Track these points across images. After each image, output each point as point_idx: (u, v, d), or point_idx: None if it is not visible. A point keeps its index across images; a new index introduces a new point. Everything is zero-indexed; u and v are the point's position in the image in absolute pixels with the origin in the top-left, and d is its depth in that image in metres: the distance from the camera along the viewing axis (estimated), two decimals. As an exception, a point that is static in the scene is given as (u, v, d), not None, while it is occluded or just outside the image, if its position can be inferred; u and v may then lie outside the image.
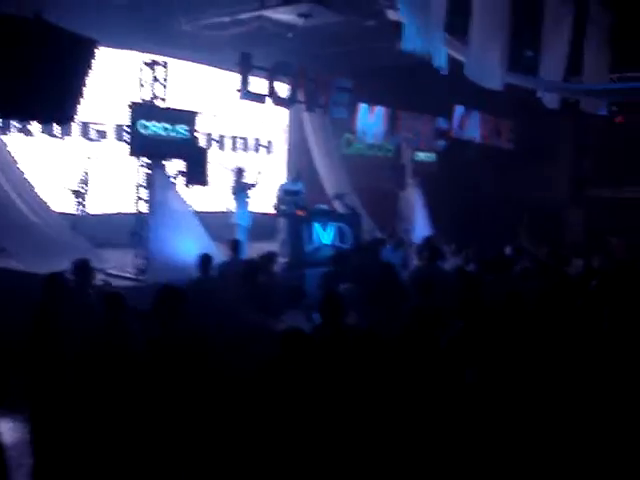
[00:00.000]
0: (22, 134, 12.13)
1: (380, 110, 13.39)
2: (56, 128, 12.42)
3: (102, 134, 13.54)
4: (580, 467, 4.78)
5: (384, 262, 8.84)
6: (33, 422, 6.03)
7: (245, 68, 10.77)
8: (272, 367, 4.78)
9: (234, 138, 16.33)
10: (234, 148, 16.32)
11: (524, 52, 12.54)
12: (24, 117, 9.53)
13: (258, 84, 11.09)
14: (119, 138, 13.40)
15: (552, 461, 4.76)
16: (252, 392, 4.85)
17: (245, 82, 10.79)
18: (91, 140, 13.39)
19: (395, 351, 5.20)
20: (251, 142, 16.80)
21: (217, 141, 15.81)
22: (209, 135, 15.49)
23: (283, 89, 11.31)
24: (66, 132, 12.79)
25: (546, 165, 18.83)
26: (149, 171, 10.53)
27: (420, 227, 15.24)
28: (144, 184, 10.59)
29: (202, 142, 14.36)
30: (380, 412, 4.77)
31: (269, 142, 17.30)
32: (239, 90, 10.84)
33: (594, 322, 6.25)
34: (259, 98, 11.11)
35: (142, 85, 10.49)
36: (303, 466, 4.51)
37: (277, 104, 11.51)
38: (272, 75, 10.97)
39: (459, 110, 14.80)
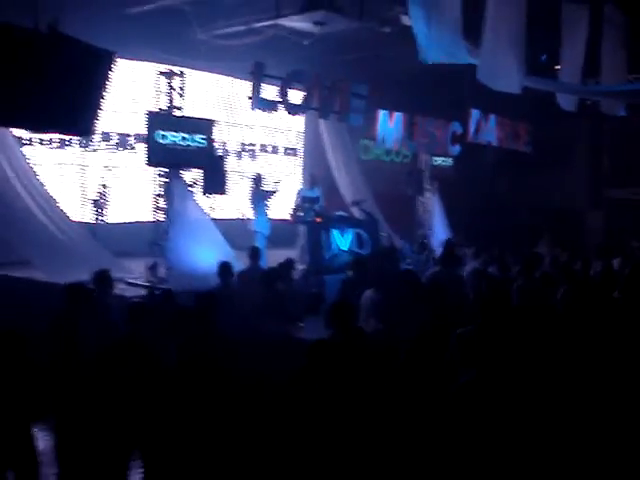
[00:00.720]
0: (36, 145, 12.19)
1: (399, 116, 13.41)
2: (74, 139, 12.48)
3: (120, 144, 13.59)
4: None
5: (405, 269, 8.78)
6: (57, 432, 6.07)
7: (258, 77, 10.79)
8: (297, 378, 4.78)
9: (252, 145, 16.36)
10: (252, 156, 16.34)
11: (539, 55, 12.49)
12: (43, 129, 9.63)
13: (272, 91, 11.11)
14: (137, 148, 13.49)
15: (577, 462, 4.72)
16: (276, 400, 4.85)
17: (258, 90, 10.80)
18: (109, 150, 13.45)
19: (408, 356, 5.22)
20: (269, 149, 16.82)
21: (235, 150, 15.83)
22: (227, 143, 15.54)
23: (296, 96, 11.31)
24: (84, 142, 12.84)
25: (564, 167, 18.75)
26: (167, 180, 10.57)
27: (439, 232, 15.20)
28: (162, 193, 10.63)
29: (219, 150, 14.43)
30: (391, 417, 4.78)
31: (287, 149, 17.32)
32: (251, 98, 10.85)
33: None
34: (272, 106, 11.12)
35: (159, 95, 10.55)
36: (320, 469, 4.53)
37: (290, 112, 11.52)
38: (286, 83, 10.98)
39: (475, 114, 14.76)
